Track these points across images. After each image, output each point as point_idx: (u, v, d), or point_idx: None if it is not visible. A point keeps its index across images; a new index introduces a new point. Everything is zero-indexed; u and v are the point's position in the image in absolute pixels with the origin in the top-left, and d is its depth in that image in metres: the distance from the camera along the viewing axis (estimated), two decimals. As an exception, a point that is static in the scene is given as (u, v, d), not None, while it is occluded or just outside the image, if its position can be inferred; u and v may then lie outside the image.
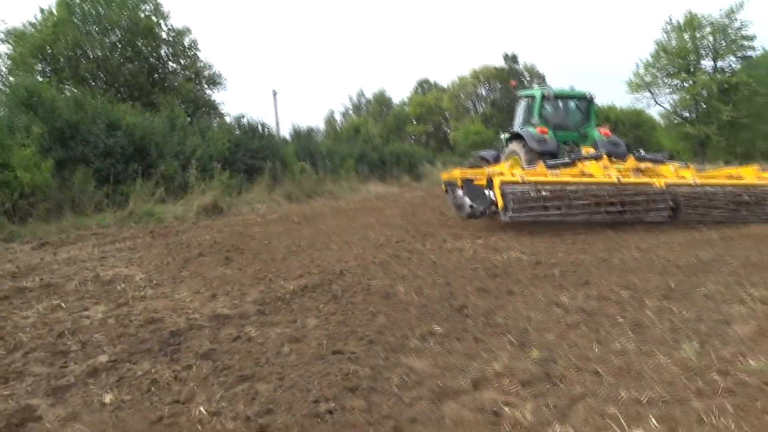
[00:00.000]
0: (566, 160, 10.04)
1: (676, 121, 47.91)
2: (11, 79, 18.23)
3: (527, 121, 12.14)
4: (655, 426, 2.58)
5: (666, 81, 45.75)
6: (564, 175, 9.11)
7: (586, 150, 10.72)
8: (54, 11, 20.90)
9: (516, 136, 11.86)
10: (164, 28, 23.18)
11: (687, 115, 46.64)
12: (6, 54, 20.25)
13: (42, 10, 21.16)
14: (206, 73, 23.74)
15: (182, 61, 23.63)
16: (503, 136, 13.18)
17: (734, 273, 5.61)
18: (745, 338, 3.73)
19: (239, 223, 11.34)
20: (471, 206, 9.88)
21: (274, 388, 3.10)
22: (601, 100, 49.05)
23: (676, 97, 46.04)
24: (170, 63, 23.54)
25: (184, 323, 4.35)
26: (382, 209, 13.70)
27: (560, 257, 6.61)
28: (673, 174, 9.39)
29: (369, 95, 58.10)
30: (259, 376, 3.28)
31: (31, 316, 4.86)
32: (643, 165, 9.69)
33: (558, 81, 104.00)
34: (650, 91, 46.67)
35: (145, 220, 12.02)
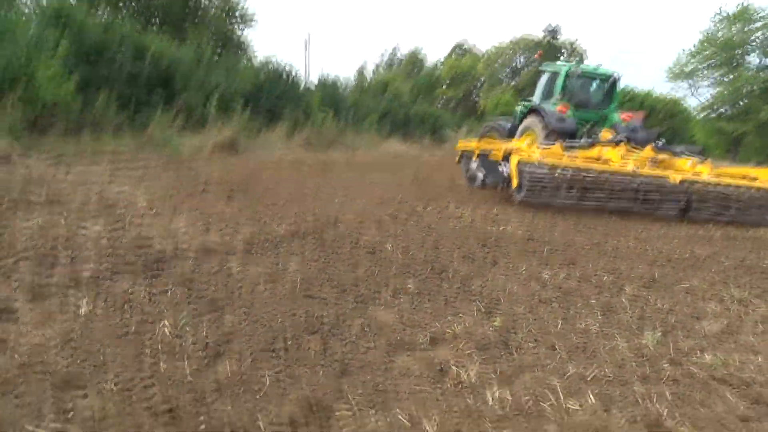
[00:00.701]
0: (585, 142, 9.91)
1: (712, 116, 46.64)
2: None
3: (548, 96, 11.92)
4: (591, 402, 2.67)
5: (707, 73, 44.35)
6: (580, 159, 9.01)
7: (605, 133, 10.53)
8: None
9: (534, 111, 11.66)
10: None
11: (724, 110, 45.36)
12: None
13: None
14: (239, 9, 23.50)
15: (218, -5, 23.36)
16: (519, 107, 12.93)
17: (723, 272, 5.62)
18: (710, 334, 3.78)
19: (251, 164, 11.46)
20: (483, 180, 9.89)
21: (240, 320, 3.24)
22: (639, 85, 47.73)
23: (715, 90, 44.72)
24: (205, -6, 23.27)
25: (172, 250, 4.49)
26: (395, 168, 13.70)
27: (555, 236, 6.64)
28: (689, 169, 9.26)
29: (403, 52, 57.22)
30: (228, 308, 3.42)
31: (32, 226, 5.04)
32: (660, 156, 9.52)
33: (597, 60, 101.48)
34: (690, 82, 45.39)
35: (161, 149, 12.18)
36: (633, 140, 9.87)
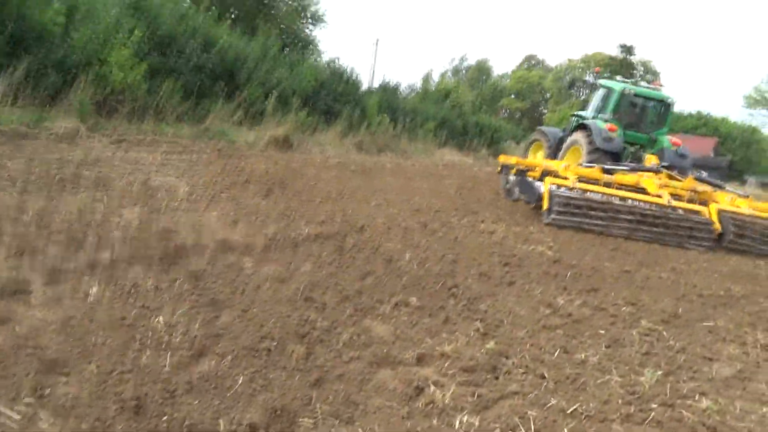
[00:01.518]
0: (625, 167, 9.88)
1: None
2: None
3: (601, 112, 11.88)
4: (562, 438, 2.63)
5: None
6: (617, 182, 9.21)
7: (649, 159, 10.44)
8: None
9: (583, 126, 11.62)
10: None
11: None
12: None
13: None
14: (311, 8, 23.96)
15: (291, -9, 23.88)
16: (573, 119, 12.95)
17: (756, 314, 5.35)
18: (718, 379, 3.63)
19: (300, 161, 11.69)
20: (519, 198, 9.98)
21: (234, 318, 3.35)
22: (715, 111, 45.91)
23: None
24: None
25: (193, 241, 4.67)
26: (443, 177, 13.67)
27: (585, 261, 6.49)
28: (727, 203, 9.13)
29: (472, 61, 57.03)
30: (228, 304, 3.54)
31: (73, 203, 5.35)
32: (700, 187, 9.33)
33: (672, 82, 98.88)
34: (768, 110, 43.24)
35: (217, 139, 12.60)
36: (677, 167, 9.70)
